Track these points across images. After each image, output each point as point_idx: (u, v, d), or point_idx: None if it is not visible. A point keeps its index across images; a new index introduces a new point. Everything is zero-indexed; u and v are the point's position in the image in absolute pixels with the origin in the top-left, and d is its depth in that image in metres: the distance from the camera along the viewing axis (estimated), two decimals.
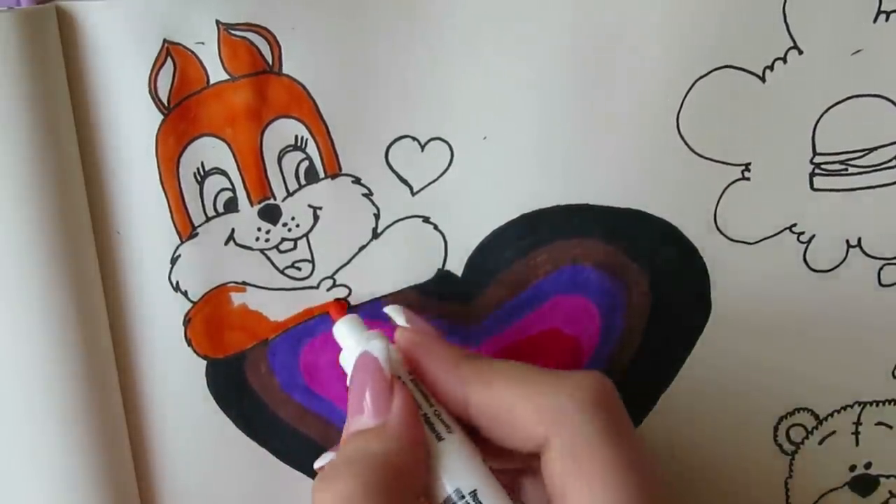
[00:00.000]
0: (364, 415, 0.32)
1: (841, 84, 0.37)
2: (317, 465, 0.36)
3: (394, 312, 0.36)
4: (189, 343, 0.39)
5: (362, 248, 0.38)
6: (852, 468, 0.43)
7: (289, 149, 0.37)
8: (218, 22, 0.35)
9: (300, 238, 0.38)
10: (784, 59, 0.36)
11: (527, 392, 0.31)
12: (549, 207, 0.38)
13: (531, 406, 0.30)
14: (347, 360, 0.35)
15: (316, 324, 0.39)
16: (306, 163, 0.37)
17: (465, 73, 0.36)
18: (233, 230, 0.38)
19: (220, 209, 0.37)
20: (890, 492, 0.44)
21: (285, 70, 0.36)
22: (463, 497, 0.30)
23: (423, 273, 0.39)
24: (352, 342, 0.36)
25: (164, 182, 0.37)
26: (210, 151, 0.37)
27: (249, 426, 0.40)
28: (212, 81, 0.36)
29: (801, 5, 0.36)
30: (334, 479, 0.30)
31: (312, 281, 0.38)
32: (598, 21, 0.36)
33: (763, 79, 0.37)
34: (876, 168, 0.38)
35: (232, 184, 0.37)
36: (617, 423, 0.30)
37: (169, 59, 0.36)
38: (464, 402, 0.32)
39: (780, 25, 0.36)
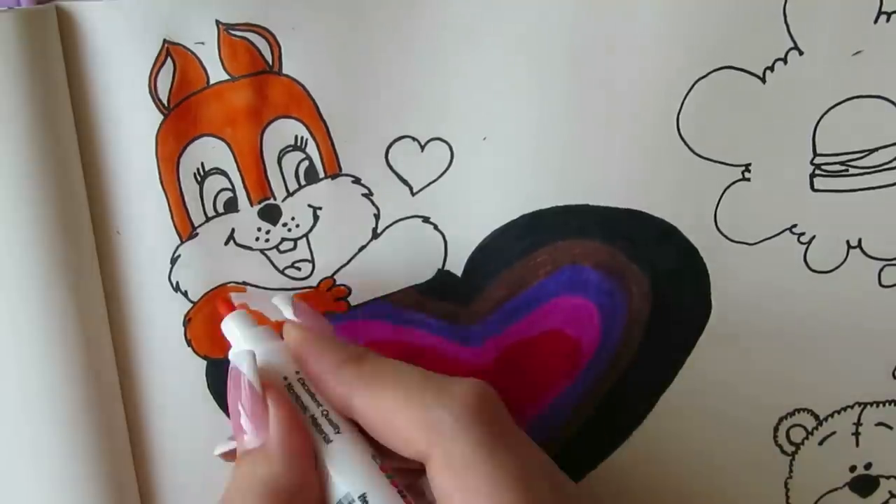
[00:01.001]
0: (246, 434, 0.31)
1: (841, 85, 0.37)
2: (216, 452, 0.35)
3: (281, 303, 0.35)
4: (189, 343, 0.39)
5: (362, 248, 0.38)
6: (852, 469, 0.43)
7: (289, 149, 0.37)
8: (218, 22, 0.35)
9: (300, 238, 0.38)
10: (784, 60, 0.36)
11: (407, 402, 0.30)
12: (549, 208, 0.38)
13: (411, 417, 0.30)
14: (234, 358, 0.34)
15: None
16: (306, 163, 0.37)
17: (465, 74, 0.36)
18: (233, 230, 0.38)
19: (220, 209, 0.37)
20: (890, 492, 0.44)
21: (285, 70, 0.36)
22: (352, 501, 0.30)
23: (423, 273, 0.39)
24: (240, 338, 0.35)
25: (164, 182, 0.37)
26: (210, 151, 0.37)
27: None
28: (212, 81, 0.36)
29: (802, 6, 0.36)
30: None
31: (312, 281, 0.38)
32: (598, 21, 0.36)
33: (763, 79, 0.37)
34: (876, 169, 0.38)
35: (232, 184, 0.37)
36: (497, 434, 0.30)
37: (169, 59, 0.36)
38: (348, 406, 0.32)
39: (781, 26, 0.36)
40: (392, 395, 0.31)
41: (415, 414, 0.30)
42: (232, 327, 0.35)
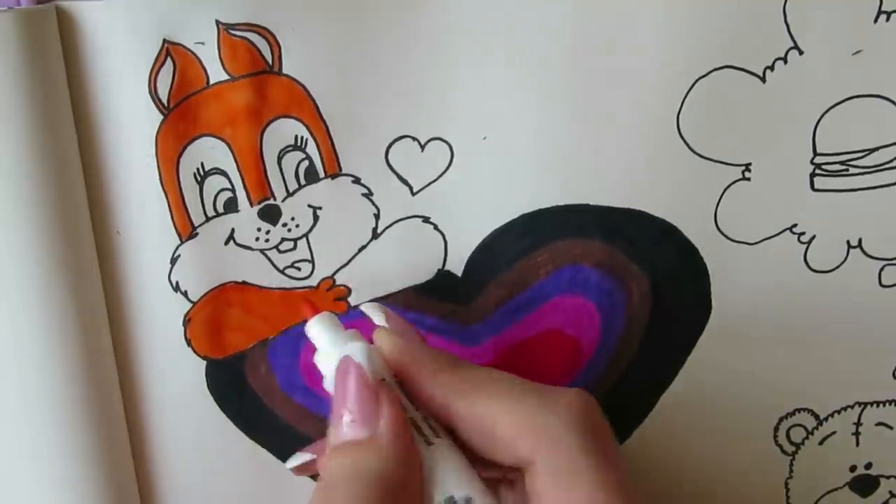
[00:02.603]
0: (350, 425, 0.30)
1: (841, 84, 0.37)
2: (290, 464, 0.35)
3: (372, 311, 0.35)
4: (189, 343, 0.39)
5: (362, 248, 0.38)
6: (852, 468, 0.43)
7: (289, 149, 0.37)
8: (218, 22, 0.35)
9: (300, 238, 0.38)
10: (784, 60, 0.36)
11: (512, 408, 0.30)
12: (550, 207, 0.38)
13: (516, 423, 0.30)
14: (323, 362, 0.34)
15: None
16: (306, 163, 0.37)
17: (465, 73, 0.36)
18: (233, 230, 0.38)
19: (220, 209, 0.37)
20: (890, 492, 0.44)
21: (285, 70, 0.36)
22: None
23: (423, 273, 0.39)
24: (326, 343, 0.34)
25: (164, 182, 0.37)
26: (210, 151, 0.37)
27: (249, 426, 0.40)
28: (212, 81, 0.36)
29: (802, 6, 0.36)
30: (333, 499, 0.29)
31: (312, 281, 0.38)
32: (598, 21, 0.36)
33: (763, 79, 0.37)
34: (876, 168, 0.38)
35: (232, 184, 0.37)
36: (603, 444, 0.29)
37: (169, 59, 0.36)
38: (447, 412, 0.31)
39: (781, 26, 0.36)
40: (495, 400, 0.30)
41: (522, 420, 0.30)
42: (320, 330, 0.34)
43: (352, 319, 0.39)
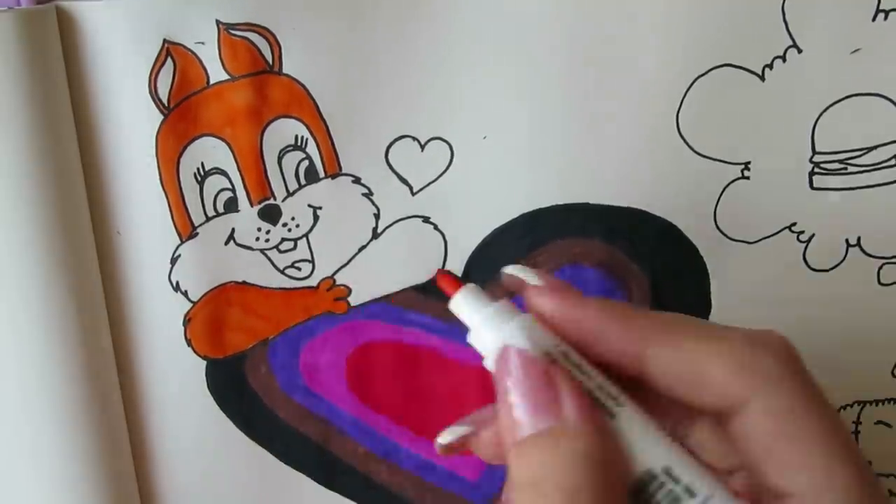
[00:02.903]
0: (532, 418, 0.27)
1: (840, 83, 0.37)
2: (443, 439, 0.31)
3: (519, 272, 0.30)
4: (189, 343, 0.39)
5: (362, 248, 0.38)
6: None
7: (289, 149, 0.37)
8: (218, 22, 0.35)
9: (300, 238, 0.38)
10: (783, 58, 0.37)
11: (720, 348, 0.28)
12: (549, 207, 0.38)
13: (728, 365, 0.28)
14: (477, 341, 0.30)
15: (316, 324, 0.39)
16: (306, 162, 0.37)
17: (465, 73, 0.36)
18: (233, 230, 0.38)
19: (221, 209, 0.37)
20: (890, 491, 0.44)
21: (285, 70, 0.36)
22: (655, 477, 0.26)
23: (423, 273, 0.39)
24: (477, 321, 0.30)
25: (165, 182, 0.37)
26: (210, 151, 0.37)
27: (249, 426, 0.40)
28: (212, 81, 0.36)
29: (801, 4, 0.36)
30: (548, 496, 0.26)
31: (312, 281, 0.38)
32: (597, 20, 0.36)
33: (762, 77, 0.37)
34: (875, 167, 0.38)
35: (232, 184, 0.37)
36: (814, 383, 0.28)
37: (169, 59, 0.36)
38: (639, 361, 0.29)
39: (780, 24, 0.36)
40: (700, 341, 0.28)
41: (734, 360, 0.28)
42: (464, 306, 0.30)
43: (352, 319, 0.39)
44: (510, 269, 0.31)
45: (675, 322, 0.29)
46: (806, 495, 0.27)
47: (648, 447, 0.27)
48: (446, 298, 0.37)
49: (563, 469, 0.26)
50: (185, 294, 0.38)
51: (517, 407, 0.28)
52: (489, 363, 0.29)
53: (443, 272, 0.32)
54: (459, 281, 0.31)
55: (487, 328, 0.29)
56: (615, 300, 0.31)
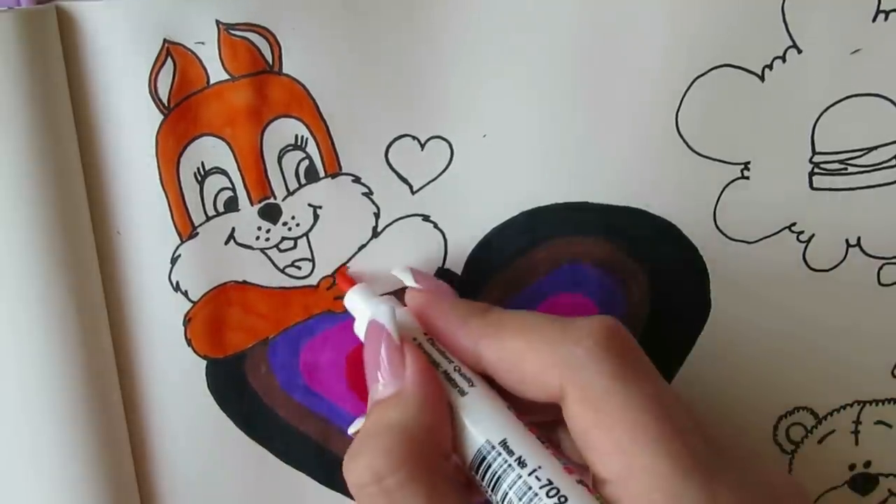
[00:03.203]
0: (380, 383, 0.31)
1: (840, 83, 0.37)
2: (351, 430, 0.36)
3: (401, 274, 0.36)
4: (189, 343, 0.39)
5: (362, 247, 0.38)
6: (852, 467, 0.43)
7: (289, 148, 0.37)
8: (218, 22, 0.35)
9: (300, 237, 0.38)
10: (783, 59, 0.37)
11: (536, 342, 0.30)
12: (549, 205, 0.38)
13: (541, 357, 0.30)
14: (360, 329, 0.35)
15: (316, 323, 0.39)
16: (306, 162, 0.37)
17: (465, 72, 0.36)
18: (233, 229, 0.38)
19: (221, 209, 0.37)
20: (889, 490, 0.44)
21: (285, 70, 0.36)
22: (493, 448, 0.30)
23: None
24: (363, 310, 0.36)
25: (164, 182, 0.37)
26: (210, 151, 0.37)
27: (249, 426, 0.40)
28: (212, 81, 0.36)
29: (800, 5, 0.36)
30: (359, 453, 0.30)
31: (312, 280, 0.38)
32: (597, 19, 0.36)
33: (762, 78, 0.37)
34: (875, 167, 0.38)
35: (232, 183, 0.37)
36: (631, 364, 0.29)
37: (169, 59, 0.36)
38: (477, 358, 0.32)
39: (779, 24, 0.36)
40: (520, 338, 0.31)
41: (545, 353, 0.30)
42: (356, 300, 0.36)
43: (350, 319, 0.39)
44: (395, 271, 0.37)
45: (509, 320, 0.32)
46: (617, 481, 0.28)
47: (490, 423, 0.30)
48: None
49: (380, 435, 0.30)
50: (185, 294, 0.38)
51: (371, 374, 0.32)
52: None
53: (342, 273, 0.38)
54: (353, 281, 0.37)
55: (365, 315, 0.35)
56: (472, 302, 0.34)
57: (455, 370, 0.32)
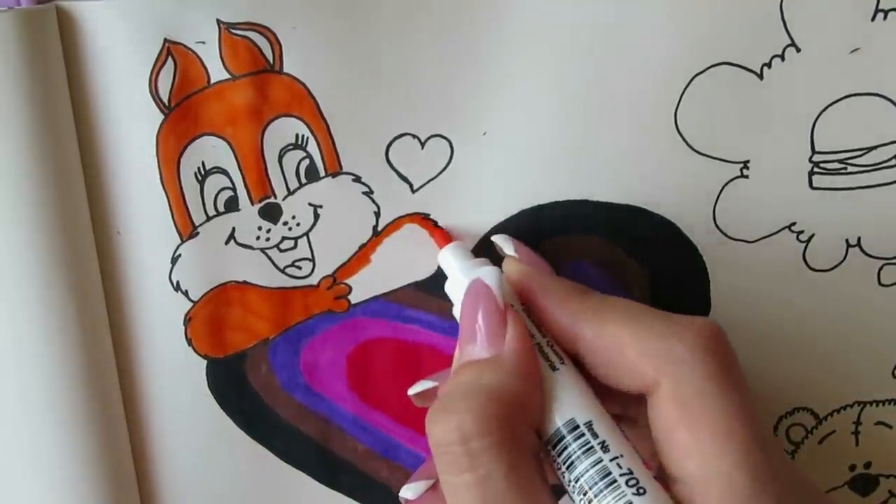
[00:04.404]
0: (477, 344, 0.31)
1: (839, 82, 0.37)
2: (413, 391, 0.35)
3: (502, 241, 0.36)
4: (189, 343, 0.39)
5: (362, 246, 0.38)
6: (852, 468, 0.43)
7: (289, 147, 0.37)
8: (218, 21, 0.35)
9: (301, 237, 0.38)
10: (782, 57, 0.37)
11: (638, 332, 0.30)
12: (549, 203, 0.38)
13: (642, 347, 0.30)
14: (453, 289, 0.35)
15: (316, 323, 0.39)
16: (307, 161, 0.37)
17: (465, 70, 0.36)
18: (233, 229, 0.38)
19: (221, 208, 0.37)
20: (890, 491, 0.44)
21: (286, 69, 0.36)
22: (577, 427, 0.30)
23: (423, 270, 0.39)
24: (458, 269, 0.35)
25: (165, 182, 0.37)
26: (211, 151, 0.37)
27: (249, 425, 0.40)
28: (212, 81, 0.36)
29: (799, 3, 0.36)
30: (448, 411, 0.29)
31: (313, 279, 0.38)
32: (596, 18, 0.36)
33: (761, 76, 0.37)
34: (875, 167, 0.38)
35: (232, 183, 0.37)
36: (728, 370, 0.29)
37: (169, 59, 0.36)
38: (573, 338, 0.31)
39: (778, 23, 0.36)
40: (623, 324, 0.30)
41: (647, 343, 0.30)
42: (450, 258, 0.36)
43: (352, 317, 0.39)
44: (496, 238, 0.36)
45: (611, 305, 0.32)
46: (691, 482, 0.28)
47: (578, 402, 0.30)
48: (447, 297, 0.37)
49: (474, 394, 0.29)
50: (186, 294, 0.38)
51: (468, 336, 0.31)
52: (457, 310, 0.33)
53: (437, 229, 0.38)
54: (451, 237, 0.37)
55: (463, 277, 0.34)
56: (576, 284, 0.33)
57: (548, 345, 0.31)
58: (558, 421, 0.30)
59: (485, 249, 0.38)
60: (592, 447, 0.29)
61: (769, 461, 0.28)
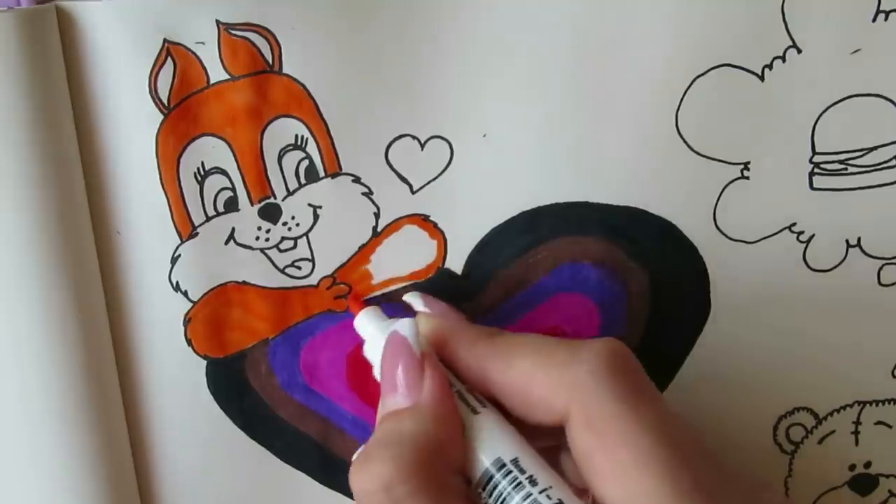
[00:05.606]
0: (397, 394, 0.31)
1: (840, 83, 0.37)
2: (354, 457, 0.35)
3: (412, 298, 0.37)
4: (189, 343, 0.39)
5: (362, 246, 0.38)
6: (852, 467, 0.43)
7: (289, 148, 0.37)
8: (218, 22, 0.35)
9: (300, 237, 0.38)
10: (783, 58, 0.37)
11: (542, 365, 0.30)
12: (549, 205, 0.38)
13: (547, 379, 0.30)
14: (371, 351, 0.36)
15: (316, 323, 0.39)
16: (306, 162, 0.37)
17: (465, 71, 0.36)
18: (233, 229, 0.38)
19: (221, 209, 0.37)
20: (889, 491, 0.44)
21: (285, 69, 0.36)
22: (504, 466, 0.30)
23: (422, 271, 0.39)
24: (374, 331, 0.36)
25: (164, 182, 0.37)
26: (210, 151, 0.37)
27: (249, 426, 0.40)
28: (212, 81, 0.36)
29: (800, 4, 0.36)
30: (370, 461, 0.29)
31: (312, 280, 0.38)
32: (597, 20, 0.36)
33: (762, 77, 0.37)
34: (875, 168, 0.38)
35: (232, 183, 0.37)
36: (635, 387, 0.29)
37: (169, 59, 0.36)
38: (484, 381, 0.32)
39: (779, 24, 0.36)
40: (527, 360, 0.31)
41: (551, 375, 0.30)
42: (366, 322, 0.37)
43: (352, 317, 0.39)
44: (406, 297, 0.37)
45: (517, 343, 0.32)
46: None
47: (502, 442, 0.31)
48: (446, 297, 0.37)
49: (392, 445, 0.29)
50: (185, 294, 0.38)
51: (388, 384, 0.32)
52: (377, 371, 0.34)
53: (354, 295, 0.39)
54: (364, 303, 0.38)
55: (380, 336, 0.35)
56: (482, 326, 0.34)
57: (468, 391, 0.32)
58: (485, 461, 0.30)
59: (481, 257, 0.38)
60: (521, 482, 0.30)
61: (693, 473, 0.28)
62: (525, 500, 0.29)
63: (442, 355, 0.33)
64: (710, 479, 0.28)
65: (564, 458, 0.33)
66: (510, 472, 0.30)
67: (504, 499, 0.30)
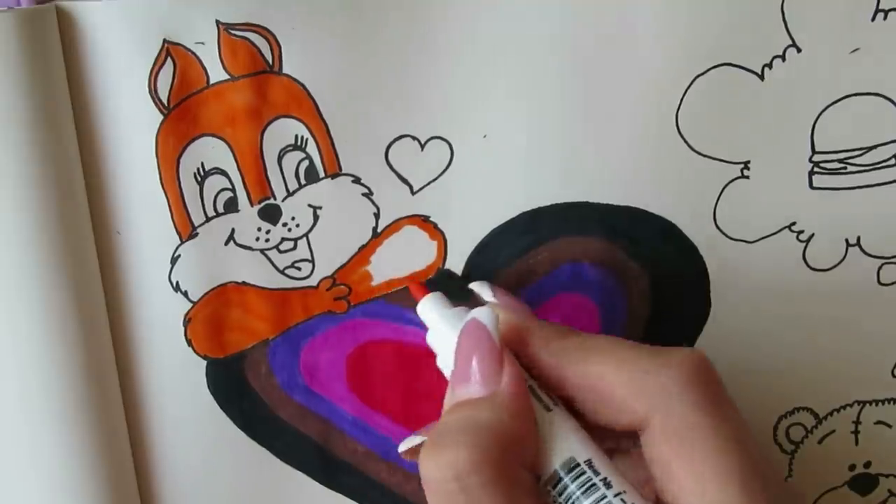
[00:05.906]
0: (471, 383, 0.30)
1: (839, 82, 0.37)
2: (402, 448, 0.34)
3: (480, 287, 0.36)
4: (189, 343, 0.39)
5: (362, 247, 0.38)
6: (852, 467, 0.43)
7: (289, 148, 0.37)
8: (218, 22, 0.35)
9: (300, 238, 0.38)
10: (783, 58, 0.37)
11: (624, 369, 0.30)
12: (549, 205, 0.38)
13: (631, 384, 0.29)
14: (436, 339, 0.35)
15: (316, 324, 0.39)
16: (306, 162, 0.37)
17: (465, 72, 0.36)
18: (233, 230, 0.38)
19: (221, 209, 0.37)
20: (889, 491, 0.44)
21: (285, 70, 0.36)
22: (577, 465, 0.29)
23: (423, 272, 0.39)
24: (438, 319, 0.35)
25: (164, 182, 0.37)
26: (210, 151, 0.37)
27: (249, 426, 0.40)
28: (212, 81, 0.36)
29: (800, 3, 0.36)
30: (443, 448, 0.28)
31: (312, 281, 0.38)
32: (597, 19, 0.36)
33: (762, 77, 0.37)
34: (875, 167, 0.38)
35: (232, 184, 0.37)
36: (717, 400, 0.29)
37: (169, 59, 0.36)
38: (560, 379, 0.31)
39: (779, 23, 0.36)
40: (608, 363, 0.30)
41: (634, 380, 0.29)
42: (429, 308, 0.35)
43: (352, 318, 0.39)
44: (474, 285, 0.36)
45: (592, 344, 0.32)
46: None
47: (575, 441, 0.30)
48: (447, 297, 0.37)
49: (467, 431, 0.29)
50: (185, 294, 0.38)
51: (463, 376, 0.31)
52: (441, 361, 0.34)
53: (416, 282, 0.37)
54: (427, 290, 0.36)
55: (446, 327, 0.34)
56: (558, 325, 0.33)
57: (540, 388, 0.31)
58: (558, 460, 0.30)
59: (482, 257, 0.38)
60: (595, 484, 0.29)
61: (768, 488, 0.28)
62: (599, 501, 0.29)
63: (514, 348, 0.32)
64: (779, 495, 0.28)
65: (617, 463, 0.33)
66: (583, 472, 0.29)
67: (576, 500, 0.29)
